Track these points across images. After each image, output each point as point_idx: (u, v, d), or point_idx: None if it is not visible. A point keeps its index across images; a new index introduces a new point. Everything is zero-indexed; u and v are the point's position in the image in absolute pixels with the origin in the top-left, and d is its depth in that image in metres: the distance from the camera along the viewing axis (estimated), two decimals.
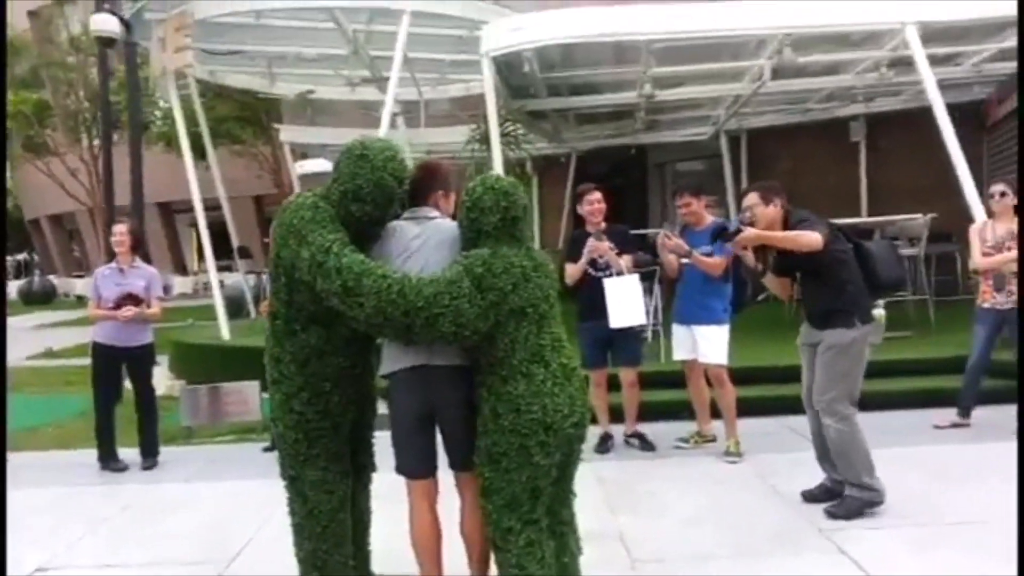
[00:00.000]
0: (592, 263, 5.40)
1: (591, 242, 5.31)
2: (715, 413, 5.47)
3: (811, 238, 3.95)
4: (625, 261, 5.31)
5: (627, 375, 5.52)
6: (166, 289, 7.64)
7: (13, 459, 5.89)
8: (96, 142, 22.99)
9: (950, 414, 5.68)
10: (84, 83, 22.02)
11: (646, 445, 5.51)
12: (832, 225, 4.14)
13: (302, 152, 15.59)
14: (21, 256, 39.44)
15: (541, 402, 2.81)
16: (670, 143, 13.66)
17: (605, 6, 7.55)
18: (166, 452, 5.87)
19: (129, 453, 5.68)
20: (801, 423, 5.77)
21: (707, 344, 5.22)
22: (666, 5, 7.60)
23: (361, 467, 3.21)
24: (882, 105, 11.33)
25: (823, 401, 4.12)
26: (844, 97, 11.02)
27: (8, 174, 26.22)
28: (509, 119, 9.56)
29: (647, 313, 5.61)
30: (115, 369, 5.56)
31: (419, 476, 3.05)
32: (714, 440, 5.47)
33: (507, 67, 8.07)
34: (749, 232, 4.08)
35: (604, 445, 5.52)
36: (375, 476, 3.34)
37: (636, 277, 5.27)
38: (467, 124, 10.95)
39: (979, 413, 5.64)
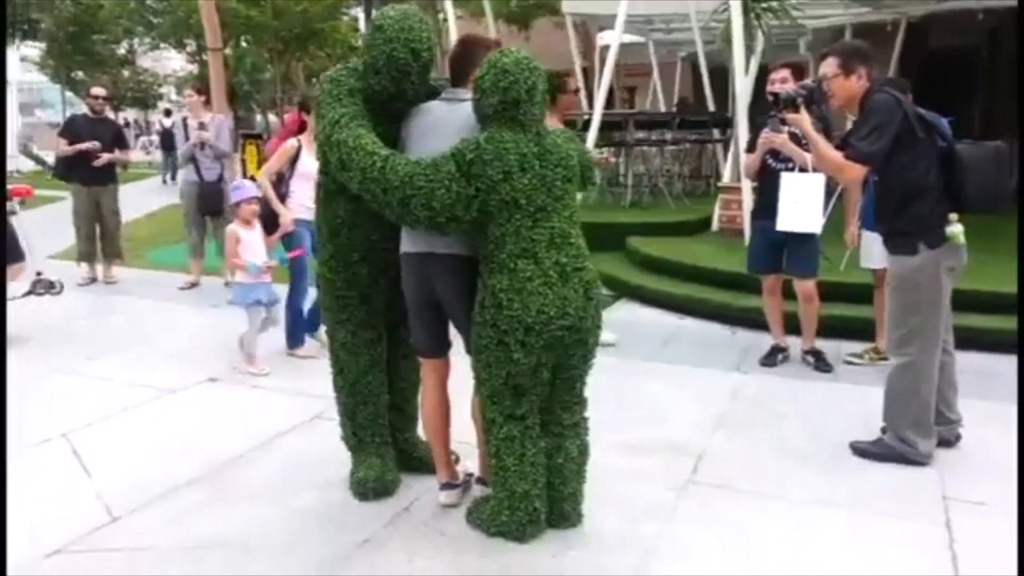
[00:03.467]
0: (774, 153, 4.74)
1: (765, 132, 4.64)
2: None
3: (850, 173, 3.41)
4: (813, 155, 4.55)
5: (802, 287, 4.87)
6: None
7: None
8: (448, 17, 25.02)
9: None
10: None
11: (822, 365, 4.88)
12: (906, 120, 3.29)
13: (599, 25, 15.39)
14: None
15: (523, 300, 2.66)
16: None
17: None
18: None
19: None
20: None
21: None
22: None
23: (402, 340, 3.33)
24: None
25: (892, 339, 3.50)
26: None
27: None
28: None
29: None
30: None
31: (428, 355, 3.10)
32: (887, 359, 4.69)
33: None
34: (801, 117, 3.52)
35: (771, 358, 5.00)
36: None
37: (821, 177, 4.50)
38: None
39: None
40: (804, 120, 3.54)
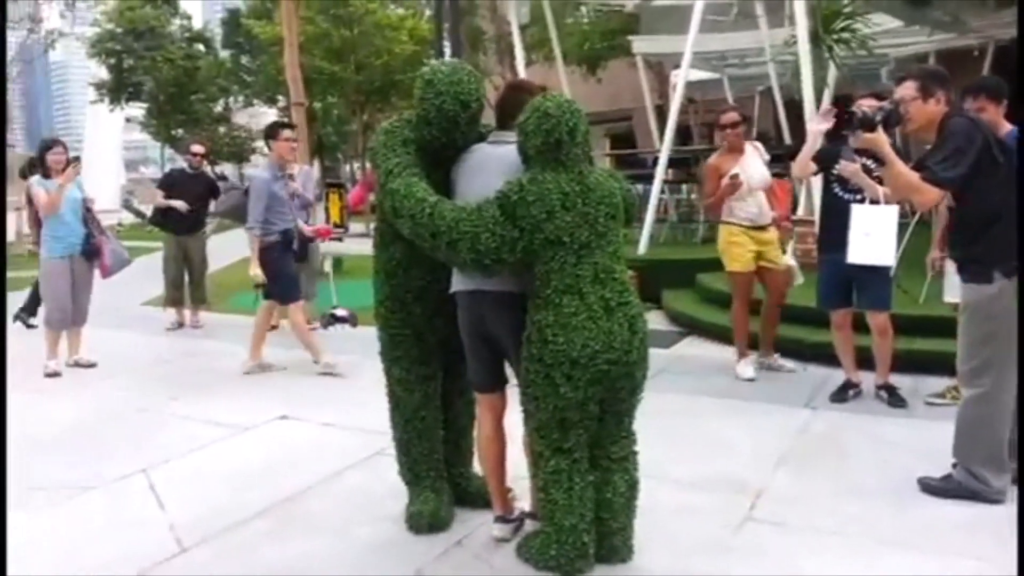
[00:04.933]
0: (842, 183, 4.66)
1: (842, 163, 4.56)
2: None
3: (925, 196, 3.28)
4: (887, 190, 4.44)
5: (875, 320, 4.74)
6: None
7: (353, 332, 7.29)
8: (517, 64, 25.64)
9: None
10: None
11: (896, 400, 4.71)
12: (986, 144, 3.19)
13: (674, 64, 15.43)
14: None
15: (567, 335, 2.70)
16: None
17: None
18: None
19: None
20: None
21: None
22: None
23: (457, 376, 3.39)
24: None
25: (963, 372, 3.34)
26: None
27: None
28: (856, 13, 8.26)
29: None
30: None
31: (484, 390, 3.16)
32: None
33: None
34: (878, 137, 3.36)
35: (842, 394, 4.85)
36: None
37: (894, 209, 4.39)
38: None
39: None
40: (882, 140, 3.43)
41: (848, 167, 4.51)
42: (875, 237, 4.40)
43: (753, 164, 5.43)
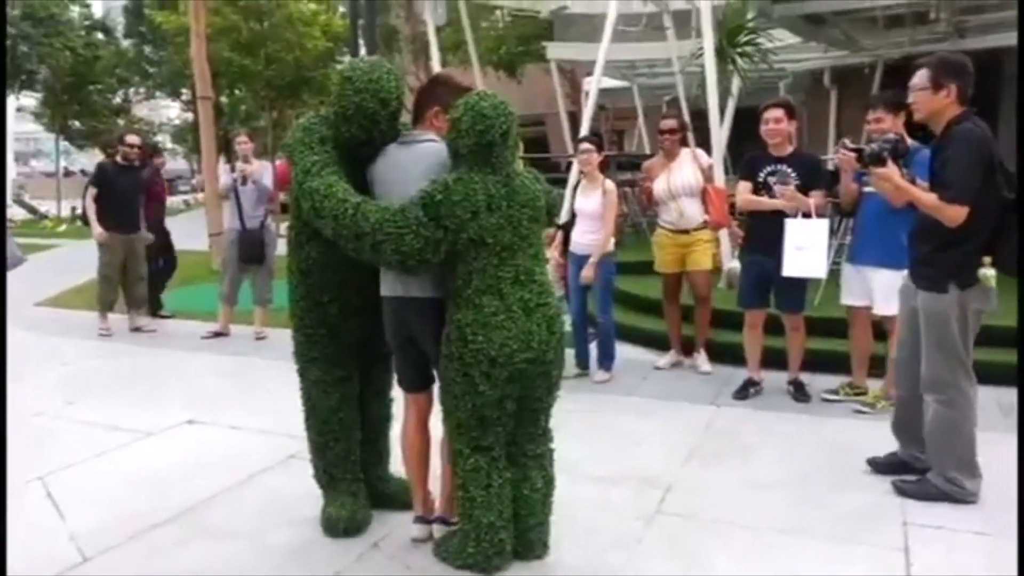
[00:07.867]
0: (769, 189, 4.86)
1: (778, 188, 4.77)
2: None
3: (952, 213, 3.24)
4: (815, 199, 4.67)
5: (790, 320, 5.01)
6: None
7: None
8: (433, 65, 25.51)
9: None
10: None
11: (800, 395, 4.97)
12: (991, 166, 3.24)
13: (586, 71, 15.70)
14: None
15: (487, 334, 2.74)
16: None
17: None
18: None
19: None
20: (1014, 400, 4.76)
21: (884, 293, 4.44)
22: None
23: (374, 378, 3.40)
24: None
25: (926, 378, 3.42)
26: None
27: None
28: (759, 28, 8.62)
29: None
30: None
31: (411, 390, 3.17)
32: (866, 393, 4.79)
33: None
34: (890, 172, 3.40)
35: (743, 391, 5.06)
36: None
37: (825, 223, 4.63)
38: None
39: None
40: (893, 174, 3.45)
41: (785, 191, 4.71)
42: (807, 251, 4.62)
43: (680, 171, 5.56)
